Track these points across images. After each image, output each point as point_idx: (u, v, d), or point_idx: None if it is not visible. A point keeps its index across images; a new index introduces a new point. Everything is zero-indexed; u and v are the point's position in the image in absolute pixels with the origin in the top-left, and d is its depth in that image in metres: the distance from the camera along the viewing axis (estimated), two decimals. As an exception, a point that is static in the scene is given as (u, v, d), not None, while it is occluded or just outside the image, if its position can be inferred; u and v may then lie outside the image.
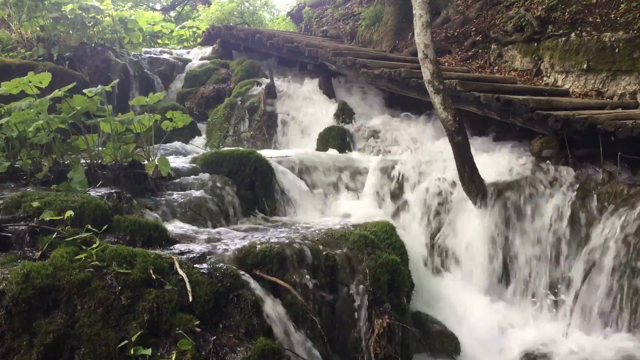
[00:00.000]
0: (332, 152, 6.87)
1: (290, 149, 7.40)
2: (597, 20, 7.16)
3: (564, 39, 7.41)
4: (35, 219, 3.29)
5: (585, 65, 7.04)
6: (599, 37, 6.92)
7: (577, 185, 5.10)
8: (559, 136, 5.43)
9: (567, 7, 7.65)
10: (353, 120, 7.93)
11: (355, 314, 3.83)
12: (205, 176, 5.19)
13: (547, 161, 5.51)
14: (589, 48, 7.01)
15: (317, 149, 7.39)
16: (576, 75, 7.19)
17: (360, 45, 11.24)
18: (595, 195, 4.96)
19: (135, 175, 4.61)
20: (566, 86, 7.29)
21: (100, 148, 4.80)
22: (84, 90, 4.55)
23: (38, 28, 9.24)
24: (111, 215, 3.57)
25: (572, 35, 7.31)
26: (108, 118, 4.61)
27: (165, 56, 11.52)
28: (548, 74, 7.63)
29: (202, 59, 11.54)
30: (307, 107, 8.53)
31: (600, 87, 6.89)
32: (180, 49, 14.15)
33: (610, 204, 4.81)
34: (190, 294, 2.98)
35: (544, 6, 7.95)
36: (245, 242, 3.67)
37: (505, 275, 5.26)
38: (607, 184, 5.00)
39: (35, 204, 3.36)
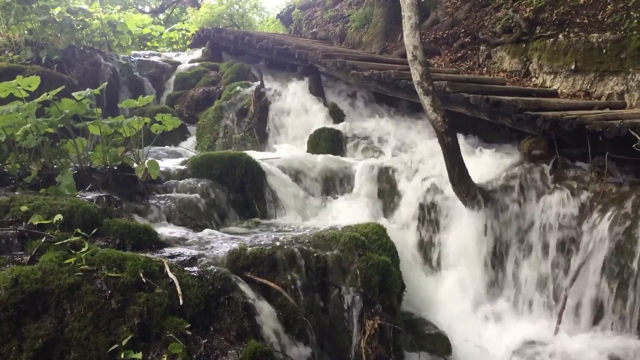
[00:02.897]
0: (323, 154, 6.87)
1: (280, 152, 7.39)
2: (585, 21, 7.21)
3: (552, 40, 7.46)
4: (24, 223, 3.27)
5: (573, 66, 7.09)
6: (586, 38, 6.97)
7: (566, 185, 5.13)
8: (548, 136, 5.46)
9: (555, 8, 7.70)
10: (343, 122, 7.94)
11: (346, 315, 3.83)
12: (195, 179, 5.18)
13: (536, 161, 5.53)
14: (576, 49, 7.06)
15: (308, 151, 7.40)
16: (564, 76, 7.24)
17: (350, 47, 11.26)
18: (584, 195, 4.99)
19: (124, 179, 4.59)
20: (554, 87, 7.34)
21: (89, 152, 4.77)
22: (73, 94, 4.52)
23: (26, 31, 9.19)
24: (101, 219, 3.55)
25: (560, 36, 7.36)
26: (97, 121, 4.59)
27: (155, 59, 11.49)
28: (537, 75, 7.68)
29: (191, 61, 11.52)
30: (297, 109, 8.53)
31: (588, 87, 6.94)
32: (169, 51, 14.12)
33: (599, 204, 4.84)
34: (180, 297, 2.97)
35: (532, 7, 8.00)
36: (236, 245, 3.66)
37: (496, 276, 5.28)
38: (596, 184, 5.03)
39: (24, 208, 3.35)
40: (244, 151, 6.39)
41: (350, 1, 12.85)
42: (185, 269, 3.21)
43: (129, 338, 2.69)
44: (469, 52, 8.85)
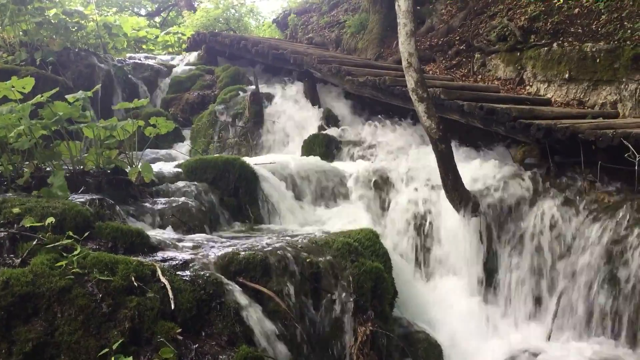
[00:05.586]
0: (317, 159, 6.87)
1: (275, 156, 7.39)
2: (579, 30, 7.26)
3: (546, 48, 7.50)
4: (15, 225, 3.25)
5: (567, 75, 7.13)
6: (580, 47, 7.01)
7: (559, 194, 5.15)
8: (541, 145, 5.49)
9: (550, 17, 7.75)
10: (338, 127, 7.95)
11: (338, 321, 3.83)
12: (189, 183, 5.17)
13: (530, 169, 5.56)
14: (570, 58, 7.10)
15: (302, 156, 7.39)
16: (558, 84, 7.28)
17: (346, 52, 11.29)
18: (576, 204, 5.01)
19: (118, 182, 4.58)
20: (548, 95, 7.38)
21: (83, 154, 4.75)
22: (67, 96, 4.51)
23: (21, 32, 9.16)
24: (93, 222, 3.53)
25: (554, 45, 7.41)
26: (91, 124, 4.57)
27: (150, 62, 11.48)
28: (530, 83, 7.71)
29: (187, 65, 11.53)
30: (292, 114, 8.54)
31: (581, 96, 6.98)
32: (165, 54, 14.11)
33: (591, 212, 4.86)
34: (172, 302, 2.96)
35: (526, 16, 8.05)
36: (229, 249, 3.65)
37: (488, 283, 5.29)
38: (588, 193, 5.05)
39: (16, 210, 3.32)
40: (238, 155, 6.39)
41: (346, 7, 12.89)
42: (177, 273, 3.20)
43: (119, 342, 2.67)
44: (464, 59, 8.89)
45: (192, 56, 12.23)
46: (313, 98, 8.68)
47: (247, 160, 5.75)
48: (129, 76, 10.25)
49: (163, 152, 7.95)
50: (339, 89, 8.70)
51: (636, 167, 4.70)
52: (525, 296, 5.09)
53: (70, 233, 3.21)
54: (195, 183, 5.18)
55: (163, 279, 3.05)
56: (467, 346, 4.78)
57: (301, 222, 5.60)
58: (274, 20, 15.93)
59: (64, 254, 3.01)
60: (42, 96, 4.29)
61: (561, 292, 4.76)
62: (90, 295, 2.80)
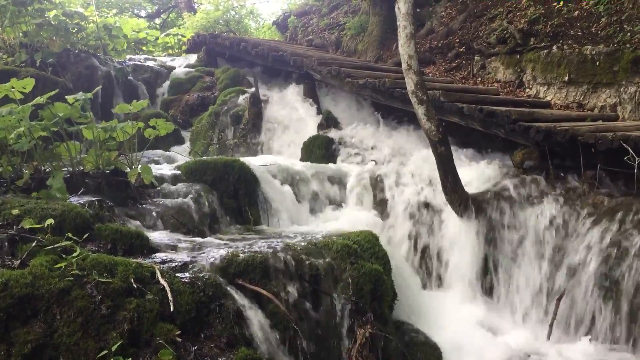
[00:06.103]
0: (316, 161, 6.88)
1: (274, 158, 7.39)
2: (579, 33, 7.27)
3: (545, 51, 7.51)
4: (14, 226, 3.25)
5: (566, 78, 7.13)
6: (580, 50, 7.02)
7: (558, 196, 5.15)
8: (541, 147, 5.49)
9: (549, 20, 7.76)
10: (337, 129, 7.95)
11: (338, 323, 3.83)
12: (188, 184, 5.16)
13: (529, 172, 5.56)
14: (570, 61, 7.11)
15: (302, 158, 7.40)
16: (558, 87, 7.28)
17: (345, 54, 11.30)
18: (575, 206, 5.01)
19: (117, 183, 4.57)
20: (548, 98, 7.38)
21: (82, 156, 4.75)
22: (66, 97, 4.51)
23: (21, 34, 9.16)
24: (92, 224, 3.53)
25: (554, 47, 7.41)
26: (91, 125, 4.57)
27: (150, 63, 11.48)
28: (530, 86, 7.72)
29: (187, 66, 11.53)
30: (291, 116, 8.54)
31: (581, 99, 6.98)
32: (165, 56, 14.11)
33: (591, 215, 4.86)
34: (171, 304, 2.95)
35: (526, 19, 8.06)
36: (228, 251, 3.64)
37: (487, 285, 5.29)
38: (588, 195, 5.05)
39: (15, 211, 3.32)
40: (238, 157, 6.38)
41: (346, 9, 12.90)
42: (176, 275, 3.20)
43: (118, 344, 2.67)
44: (464, 62, 8.90)
45: (192, 58, 12.24)
46: (313, 100, 8.69)
47: (247, 162, 5.75)
48: (129, 78, 10.25)
49: (163, 153, 7.94)
50: (338, 90, 8.71)
51: (635, 170, 4.70)
52: (524, 298, 5.09)
53: (70, 234, 3.21)
54: (195, 185, 5.17)
55: (162, 281, 3.05)
56: (466, 348, 4.78)
57: (301, 224, 5.60)
58: (274, 22, 15.94)
59: (63, 256, 3.01)
60: (42, 97, 4.29)
61: (561, 294, 4.76)
62: (90, 297, 2.79)
